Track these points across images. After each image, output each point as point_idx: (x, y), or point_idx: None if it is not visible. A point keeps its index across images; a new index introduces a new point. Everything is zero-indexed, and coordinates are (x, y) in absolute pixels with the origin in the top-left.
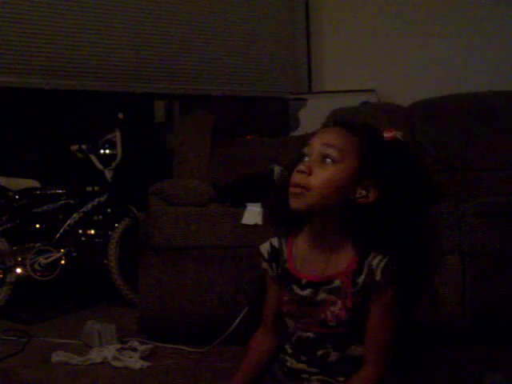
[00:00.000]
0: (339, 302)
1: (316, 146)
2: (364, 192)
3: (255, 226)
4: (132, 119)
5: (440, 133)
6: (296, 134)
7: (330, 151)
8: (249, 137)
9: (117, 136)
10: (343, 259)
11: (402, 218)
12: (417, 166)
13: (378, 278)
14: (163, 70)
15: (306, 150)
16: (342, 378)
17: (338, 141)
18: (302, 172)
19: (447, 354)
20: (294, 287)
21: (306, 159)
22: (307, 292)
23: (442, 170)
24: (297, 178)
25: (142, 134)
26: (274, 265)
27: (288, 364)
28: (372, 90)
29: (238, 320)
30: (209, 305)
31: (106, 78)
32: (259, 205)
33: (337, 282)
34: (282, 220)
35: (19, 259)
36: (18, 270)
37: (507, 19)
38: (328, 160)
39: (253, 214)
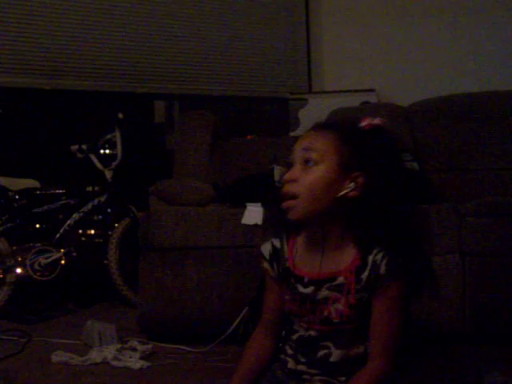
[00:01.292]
0: (342, 299)
1: (298, 153)
2: (352, 184)
3: (255, 225)
4: (132, 119)
5: (440, 133)
6: (296, 134)
7: (310, 154)
8: (249, 137)
9: (117, 136)
10: (346, 255)
11: (391, 202)
12: (394, 148)
13: (382, 272)
14: (163, 70)
15: (291, 158)
16: (343, 378)
17: (316, 142)
18: (289, 181)
19: (447, 354)
20: (297, 285)
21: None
22: (310, 290)
23: (442, 169)
24: (285, 190)
25: (142, 134)
26: (274, 264)
27: (289, 365)
28: (372, 90)
29: (238, 320)
30: (209, 305)
31: (106, 77)
32: (259, 205)
33: (340, 279)
34: (282, 222)
35: (19, 259)
36: (18, 270)
37: (507, 19)
38: (310, 163)
39: (253, 214)
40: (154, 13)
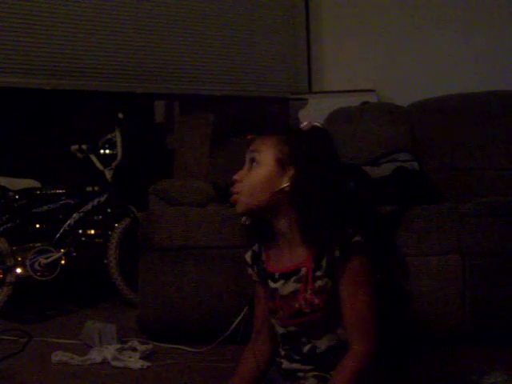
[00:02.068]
0: (308, 288)
1: (247, 156)
2: (287, 179)
3: None
4: (132, 119)
5: (440, 133)
6: None
7: (254, 155)
8: (249, 137)
9: (117, 136)
10: (307, 248)
11: (318, 192)
12: (328, 147)
13: (337, 254)
14: (163, 70)
15: (244, 162)
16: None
17: (259, 145)
18: (236, 181)
19: (447, 354)
20: (269, 281)
21: None
22: (279, 284)
23: (442, 169)
24: (232, 188)
25: (142, 134)
26: (255, 268)
27: (283, 366)
28: (372, 90)
29: (237, 320)
30: (209, 305)
31: (106, 77)
32: None
33: (303, 270)
34: (254, 230)
35: (19, 259)
36: (18, 270)
37: (507, 19)
38: (254, 163)
39: None
40: (154, 13)
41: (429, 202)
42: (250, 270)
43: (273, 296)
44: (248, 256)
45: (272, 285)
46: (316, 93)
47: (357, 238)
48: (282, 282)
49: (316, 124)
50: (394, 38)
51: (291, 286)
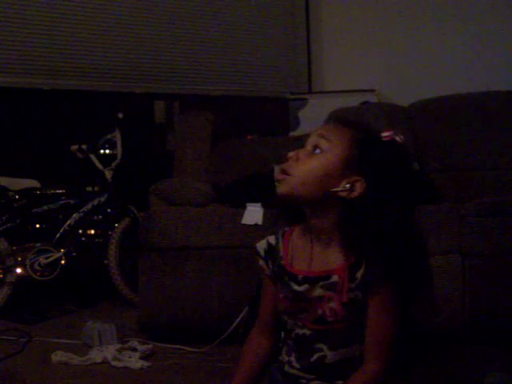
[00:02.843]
0: (336, 297)
1: (312, 138)
2: (348, 185)
3: (255, 225)
4: (132, 119)
5: (440, 133)
6: (296, 134)
7: (321, 141)
8: (249, 137)
9: (117, 136)
10: (340, 253)
11: (386, 215)
12: (407, 169)
13: (378, 271)
14: (163, 69)
15: (305, 142)
16: (340, 382)
17: (331, 133)
18: (290, 158)
19: (447, 354)
20: (291, 283)
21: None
22: (304, 288)
23: (442, 169)
24: (283, 164)
25: (142, 134)
26: (269, 262)
27: (285, 369)
28: (372, 90)
29: (238, 320)
30: (209, 305)
31: (106, 78)
32: (259, 205)
33: (334, 278)
34: (280, 213)
35: (19, 259)
36: (18, 270)
37: (506, 19)
38: (317, 150)
39: (253, 213)
40: (154, 13)
41: (429, 202)
42: (261, 262)
43: (295, 299)
44: (261, 247)
45: (295, 287)
46: (316, 93)
47: (396, 261)
48: (306, 285)
49: (398, 139)
50: (393, 39)
51: (318, 292)
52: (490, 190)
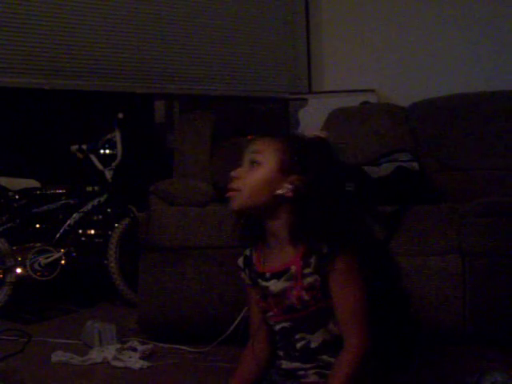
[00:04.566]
0: (297, 285)
1: (247, 156)
2: (290, 186)
3: None
4: (132, 119)
5: (440, 133)
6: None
7: (255, 156)
8: (249, 137)
9: (117, 136)
10: (296, 248)
11: (325, 204)
12: (333, 158)
13: (325, 250)
14: (163, 69)
15: (242, 161)
16: (326, 357)
17: (262, 147)
18: (234, 177)
19: (447, 354)
20: (262, 282)
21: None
22: (271, 283)
23: (442, 169)
24: (230, 184)
25: (142, 134)
26: (247, 270)
27: (283, 366)
28: (372, 90)
29: (237, 320)
30: (209, 305)
31: (106, 77)
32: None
33: (293, 268)
34: (246, 234)
35: (19, 259)
36: (18, 270)
37: (507, 19)
38: (255, 164)
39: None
40: (154, 13)
41: (429, 202)
42: (242, 274)
43: (265, 295)
44: (240, 261)
45: (263, 284)
46: (316, 93)
47: (344, 236)
48: (273, 281)
49: (321, 135)
50: (393, 38)
51: (282, 284)
52: (490, 190)
